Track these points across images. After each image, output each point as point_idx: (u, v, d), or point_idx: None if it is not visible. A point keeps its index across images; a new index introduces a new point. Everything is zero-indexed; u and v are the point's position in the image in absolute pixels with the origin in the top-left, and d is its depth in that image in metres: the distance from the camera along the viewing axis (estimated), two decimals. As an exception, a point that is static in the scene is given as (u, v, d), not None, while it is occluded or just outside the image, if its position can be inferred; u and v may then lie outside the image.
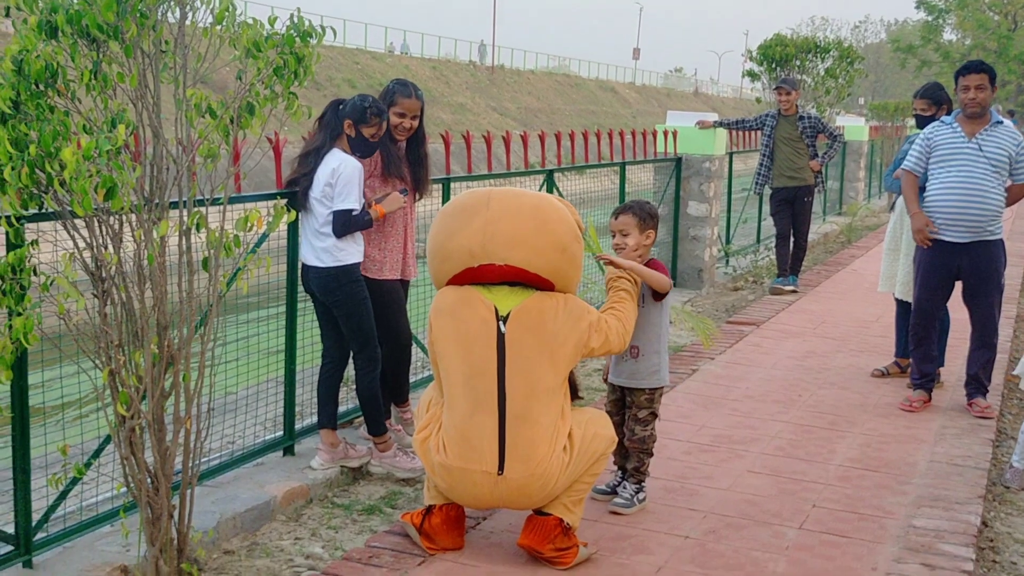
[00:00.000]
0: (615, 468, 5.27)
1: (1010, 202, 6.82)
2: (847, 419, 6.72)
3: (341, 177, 5.24)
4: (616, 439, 4.69)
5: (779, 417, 6.74)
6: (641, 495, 5.15)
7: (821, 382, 7.63)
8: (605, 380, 5.37)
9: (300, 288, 5.67)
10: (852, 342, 8.99)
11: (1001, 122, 6.75)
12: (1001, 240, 6.77)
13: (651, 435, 5.13)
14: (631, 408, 5.12)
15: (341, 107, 5.39)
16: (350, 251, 5.37)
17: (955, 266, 6.76)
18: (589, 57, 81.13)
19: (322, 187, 5.27)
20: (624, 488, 5.16)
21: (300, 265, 5.51)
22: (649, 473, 5.19)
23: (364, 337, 5.46)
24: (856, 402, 7.14)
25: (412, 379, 6.44)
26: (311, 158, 5.36)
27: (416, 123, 5.72)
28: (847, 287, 11.74)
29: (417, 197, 5.88)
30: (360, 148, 5.40)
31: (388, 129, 5.56)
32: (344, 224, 5.27)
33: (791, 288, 11.29)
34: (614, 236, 5.15)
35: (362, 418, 5.83)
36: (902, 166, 7.18)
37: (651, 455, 5.15)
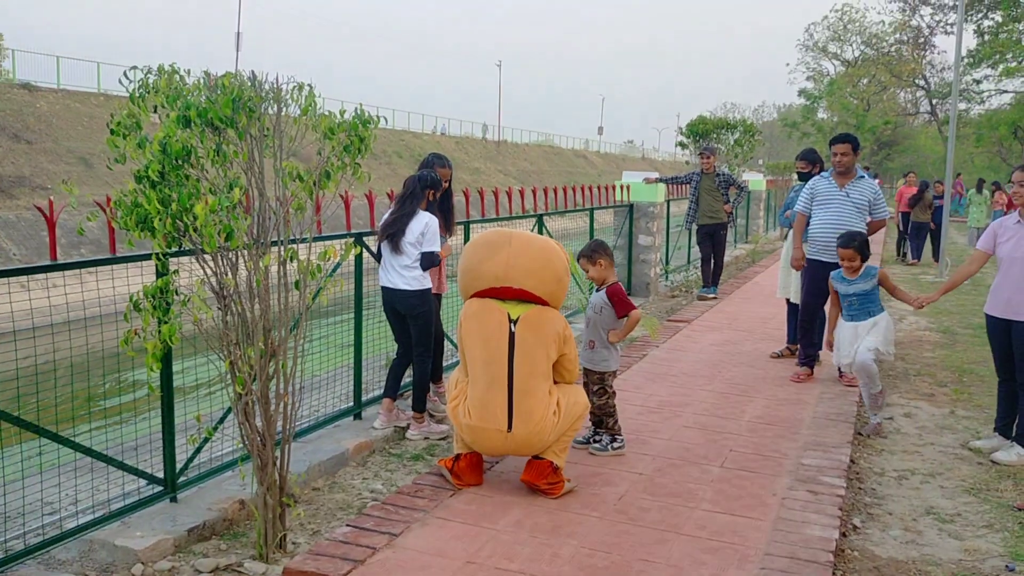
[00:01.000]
0: (590, 425, 5.27)
1: (870, 233, 6.81)
2: (754, 388, 6.70)
3: (430, 229, 5.33)
4: (589, 405, 4.69)
5: (705, 387, 6.72)
6: (616, 443, 5.13)
7: (735, 362, 7.60)
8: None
9: (365, 300, 5.67)
10: (756, 333, 8.97)
11: (863, 176, 6.76)
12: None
13: (606, 403, 5.09)
14: (589, 384, 5.10)
15: (419, 181, 5.41)
16: (428, 281, 5.45)
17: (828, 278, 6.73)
18: (567, 133, 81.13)
19: (416, 235, 5.32)
20: (600, 437, 5.14)
21: (383, 289, 5.49)
22: (619, 429, 5.17)
23: (429, 340, 5.49)
24: (760, 376, 7.12)
25: (445, 363, 6.41)
26: (405, 219, 5.32)
27: (447, 184, 5.76)
28: (752, 294, 11.70)
29: (448, 236, 5.89)
30: (431, 207, 5.49)
31: None
32: (431, 261, 5.34)
33: (712, 296, 11.26)
34: (587, 271, 5.16)
35: (409, 393, 5.82)
36: (793, 208, 7.21)
37: (612, 416, 5.13)
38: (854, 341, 6.03)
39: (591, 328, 5.10)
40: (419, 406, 5.55)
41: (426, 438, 5.52)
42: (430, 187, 5.41)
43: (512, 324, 4.37)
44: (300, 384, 4.07)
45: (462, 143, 54.24)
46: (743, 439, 5.46)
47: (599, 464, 4.96)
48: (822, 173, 7.02)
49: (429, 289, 5.41)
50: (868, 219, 6.76)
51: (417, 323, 5.44)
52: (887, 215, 6.96)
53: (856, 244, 6.04)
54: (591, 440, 5.20)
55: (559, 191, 9.65)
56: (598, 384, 5.11)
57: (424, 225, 5.33)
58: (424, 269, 5.36)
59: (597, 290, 5.13)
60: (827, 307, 6.40)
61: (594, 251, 5.14)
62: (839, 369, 6.90)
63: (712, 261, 11.43)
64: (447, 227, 5.85)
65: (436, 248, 5.35)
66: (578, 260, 5.19)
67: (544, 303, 4.51)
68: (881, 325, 5.99)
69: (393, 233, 5.40)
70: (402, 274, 5.42)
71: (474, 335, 4.43)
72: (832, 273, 6.26)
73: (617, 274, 11.38)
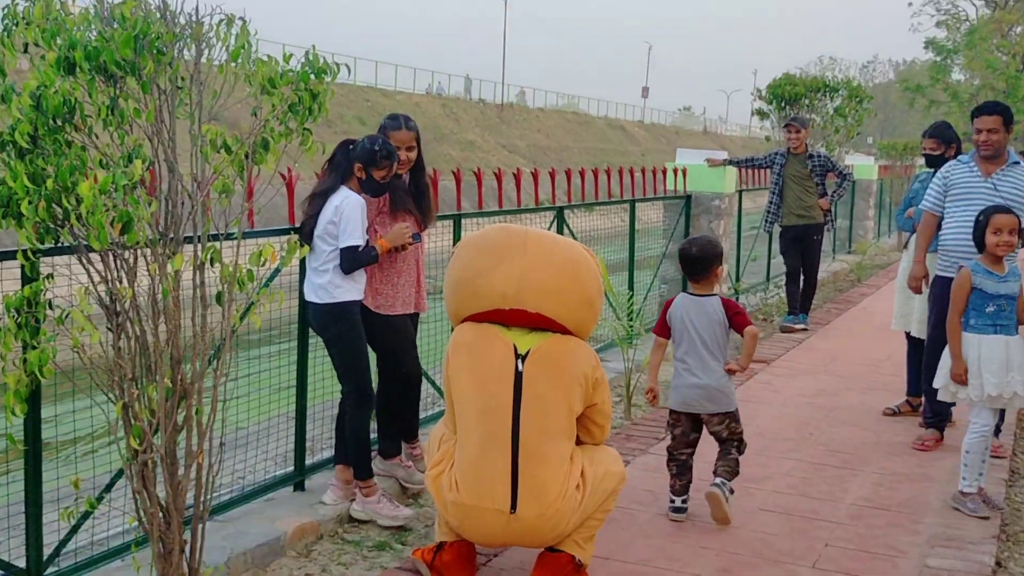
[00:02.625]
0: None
1: None
2: (859, 457, 6.69)
3: (344, 214, 5.26)
4: (625, 475, 4.69)
5: (790, 455, 6.71)
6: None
7: (832, 420, 7.60)
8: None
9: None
10: (863, 380, 8.96)
11: (1018, 163, 6.69)
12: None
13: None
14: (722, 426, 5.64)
15: (351, 148, 5.41)
16: (346, 288, 5.37)
17: None
18: (598, 95, 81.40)
19: (325, 224, 5.30)
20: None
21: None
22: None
23: (355, 376, 5.45)
24: (868, 440, 7.11)
25: (421, 415, 6.43)
26: (319, 199, 5.39)
27: (413, 154, 5.74)
28: (857, 325, 11.71)
29: (423, 228, 5.87)
30: (370, 189, 5.44)
31: None
32: (351, 260, 5.29)
33: (801, 326, 11.27)
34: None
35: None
36: (921, 205, 7.16)
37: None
38: (1006, 366, 5.70)
39: (687, 346, 5.56)
40: (361, 471, 5.53)
41: (386, 525, 5.48)
42: (363, 161, 5.33)
43: (520, 360, 4.38)
44: (221, 439, 4.07)
45: (450, 106, 54.56)
46: (844, 529, 5.44)
47: (640, 561, 4.94)
48: (959, 157, 7.03)
49: (349, 304, 5.35)
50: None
51: (333, 350, 5.45)
52: None
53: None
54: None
55: (586, 175, 9.68)
56: (728, 431, 5.57)
57: (334, 210, 5.28)
58: (346, 272, 5.32)
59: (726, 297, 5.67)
60: (949, 320, 5.89)
61: (716, 252, 5.60)
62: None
63: (802, 277, 11.44)
64: (422, 218, 5.82)
65: (355, 240, 5.26)
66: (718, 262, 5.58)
67: (565, 332, 4.52)
68: None
69: (303, 221, 5.43)
70: (310, 279, 5.44)
71: (466, 374, 4.43)
72: (970, 264, 5.87)
73: (666, 293, 11.45)
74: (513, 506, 4.30)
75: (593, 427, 4.57)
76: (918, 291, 7.04)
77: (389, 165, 5.39)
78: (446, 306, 4.73)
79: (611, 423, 4.70)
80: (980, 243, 5.82)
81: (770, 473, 6.32)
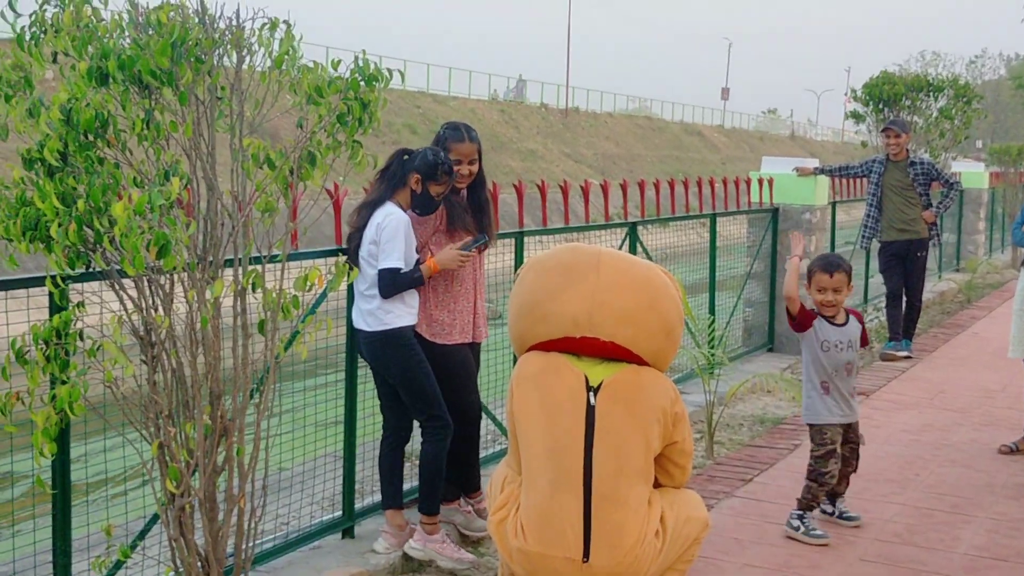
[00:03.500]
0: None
1: None
2: (972, 501, 6.58)
3: (385, 232, 5.28)
4: (708, 522, 4.66)
5: (894, 499, 6.62)
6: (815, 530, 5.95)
7: (941, 459, 7.49)
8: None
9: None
10: (975, 414, 8.82)
11: None
12: None
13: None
14: (856, 440, 6.19)
15: (407, 158, 5.45)
16: (398, 313, 5.39)
17: None
18: (673, 98, 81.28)
19: (367, 245, 5.33)
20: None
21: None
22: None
23: (428, 402, 5.44)
24: (982, 482, 7.00)
25: (481, 454, 6.43)
26: (367, 211, 5.42)
27: (475, 167, 5.75)
28: (968, 352, 11.54)
29: (482, 249, 5.86)
30: (422, 205, 5.45)
31: None
32: (389, 284, 5.30)
33: (904, 354, 11.13)
34: (822, 292, 6.00)
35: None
36: None
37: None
38: None
39: (832, 369, 6.00)
40: (429, 506, 5.55)
41: (450, 570, 5.51)
42: (423, 173, 5.35)
43: (591, 393, 4.37)
44: (264, 481, 4.12)
45: (509, 112, 54.76)
46: (956, 582, 5.36)
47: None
48: None
49: (402, 330, 5.36)
50: None
51: (396, 380, 5.48)
52: None
53: None
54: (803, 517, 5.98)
55: (660, 186, 9.67)
56: (852, 442, 6.12)
57: (376, 228, 5.31)
58: (384, 297, 5.34)
59: (839, 324, 6.05)
60: None
61: (845, 264, 6.05)
62: None
63: (904, 300, 11.31)
64: (480, 248, 5.84)
65: (395, 262, 5.26)
66: (830, 274, 5.97)
67: (641, 363, 4.52)
68: None
69: (350, 235, 5.47)
70: (358, 305, 5.48)
71: (532, 409, 4.43)
72: None
73: (751, 317, 11.39)
74: (586, 554, 4.28)
75: (673, 468, 4.55)
76: None
77: (448, 181, 5.42)
78: (510, 333, 4.72)
79: (692, 463, 4.67)
80: None
81: (871, 519, 6.24)
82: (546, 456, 4.35)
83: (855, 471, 6.23)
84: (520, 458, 4.48)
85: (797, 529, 5.93)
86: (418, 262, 5.42)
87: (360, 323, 5.44)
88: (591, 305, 4.37)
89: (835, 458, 5.98)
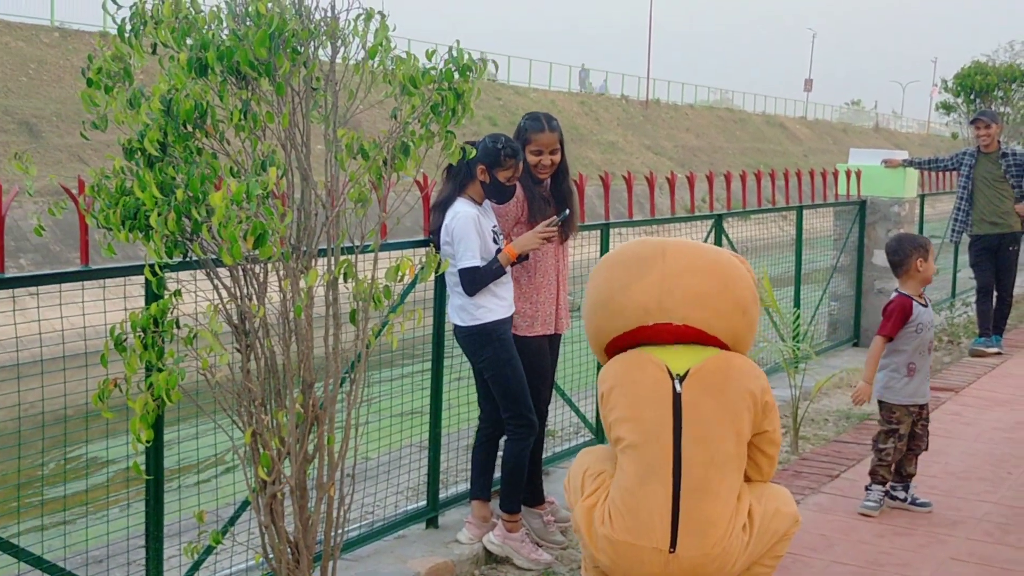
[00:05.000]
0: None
1: None
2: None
3: (455, 233, 5.30)
4: (798, 518, 4.62)
5: (986, 497, 6.53)
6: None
7: (1035, 458, 7.36)
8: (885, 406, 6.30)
9: (448, 344, 5.74)
10: (1069, 412, 8.66)
11: None
12: None
13: None
14: (927, 418, 6.37)
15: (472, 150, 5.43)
16: (490, 307, 5.41)
17: None
18: (754, 89, 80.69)
19: (443, 247, 5.36)
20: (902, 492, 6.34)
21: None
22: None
23: (514, 399, 5.45)
24: (1077, 481, 6.87)
25: (552, 451, 6.41)
26: (439, 212, 5.45)
27: (557, 157, 5.69)
28: (1060, 349, 11.33)
29: (565, 238, 5.83)
30: (496, 194, 5.44)
31: (528, 170, 5.60)
32: (472, 282, 5.32)
33: (995, 350, 10.95)
34: (924, 267, 6.25)
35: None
36: None
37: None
38: None
39: (919, 350, 6.23)
40: (511, 504, 5.57)
41: (523, 567, 5.49)
42: (487, 163, 5.33)
43: (677, 382, 4.36)
44: (353, 470, 4.15)
45: (589, 104, 54.63)
46: (1051, 583, 5.27)
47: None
48: None
49: (496, 324, 5.38)
50: None
51: (488, 375, 5.49)
52: None
53: None
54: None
55: (747, 178, 9.59)
56: (922, 420, 6.33)
57: (445, 229, 5.36)
58: (470, 295, 5.37)
59: (923, 304, 6.28)
60: None
61: (914, 245, 6.28)
62: None
63: (995, 294, 11.12)
64: (563, 227, 5.78)
65: (472, 260, 5.29)
66: (910, 257, 6.22)
67: (723, 346, 4.50)
68: None
69: (432, 233, 5.52)
70: (452, 300, 5.52)
71: (621, 407, 4.43)
72: None
73: (836, 311, 11.26)
74: (673, 544, 4.27)
75: (762, 458, 4.52)
76: None
77: (515, 164, 5.37)
78: (587, 332, 4.75)
79: (778, 454, 4.64)
80: None
81: (963, 517, 6.15)
82: (635, 448, 4.34)
83: (926, 449, 6.38)
84: (615, 455, 4.48)
85: (865, 501, 6.27)
86: (499, 251, 5.43)
87: (454, 317, 5.47)
88: (660, 292, 4.40)
89: (895, 437, 6.19)
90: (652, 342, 4.48)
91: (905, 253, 6.22)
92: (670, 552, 4.27)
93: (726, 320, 4.46)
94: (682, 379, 4.36)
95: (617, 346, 4.58)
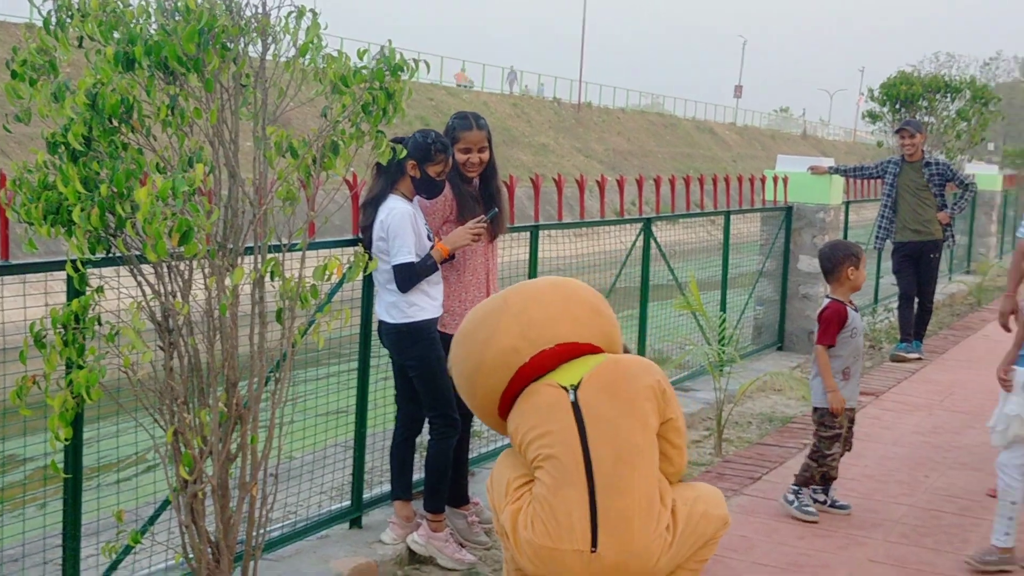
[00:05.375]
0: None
1: None
2: (982, 504, 6.57)
3: (390, 229, 5.30)
4: (728, 519, 4.66)
5: (903, 500, 6.63)
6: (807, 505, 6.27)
7: (951, 462, 7.48)
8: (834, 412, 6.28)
9: (374, 344, 5.73)
10: (985, 416, 8.69)
11: None
12: None
13: None
14: (853, 421, 6.47)
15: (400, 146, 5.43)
16: (422, 306, 5.41)
17: None
18: (685, 95, 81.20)
19: (376, 241, 5.35)
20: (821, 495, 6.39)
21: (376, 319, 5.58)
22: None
23: (440, 398, 5.46)
24: (990, 485, 6.98)
25: (477, 452, 6.41)
26: (371, 209, 5.43)
27: (485, 156, 5.72)
28: (978, 355, 11.51)
29: (494, 236, 5.84)
30: (426, 189, 5.45)
31: (457, 169, 5.62)
32: (406, 278, 5.32)
33: (915, 355, 11.12)
34: (855, 275, 6.34)
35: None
36: (1018, 235, 7.02)
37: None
38: None
39: (854, 354, 6.32)
40: (434, 503, 5.57)
41: (447, 567, 5.49)
42: (417, 157, 5.33)
43: (571, 392, 4.42)
44: (276, 470, 4.13)
45: (521, 106, 54.71)
46: (966, 586, 5.37)
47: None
48: None
49: (426, 323, 5.38)
50: None
51: (414, 373, 5.49)
52: None
53: None
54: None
55: (675, 182, 9.67)
56: (850, 423, 6.42)
57: (380, 225, 5.35)
58: (404, 292, 5.37)
59: (855, 310, 6.38)
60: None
61: (845, 253, 6.34)
62: None
63: (916, 301, 11.30)
64: (492, 226, 5.79)
65: (407, 256, 5.28)
66: (842, 264, 6.29)
67: (600, 351, 4.63)
68: None
69: (362, 230, 5.51)
70: (381, 297, 5.51)
71: (526, 433, 4.50)
72: None
73: (762, 316, 11.38)
74: (594, 544, 4.29)
75: (670, 449, 4.54)
76: (1005, 328, 6.89)
77: (445, 160, 5.39)
78: (477, 413, 4.83)
79: (688, 453, 4.67)
80: None
81: (881, 520, 6.24)
82: (548, 460, 4.38)
83: (850, 450, 6.51)
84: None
85: (792, 504, 6.26)
86: (432, 248, 5.42)
87: (384, 315, 5.46)
88: (519, 327, 4.52)
89: (839, 441, 6.29)
90: (538, 375, 4.54)
91: (838, 260, 6.29)
92: (592, 552, 4.29)
93: (588, 325, 4.59)
94: (576, 388, 4.43)
95: (508, 402, 4.63)
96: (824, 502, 6.35)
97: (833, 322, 6.24)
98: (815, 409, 6.36)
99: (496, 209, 5.65)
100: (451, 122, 5.76)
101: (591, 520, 4.29)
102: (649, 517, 4.31)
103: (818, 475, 6.28)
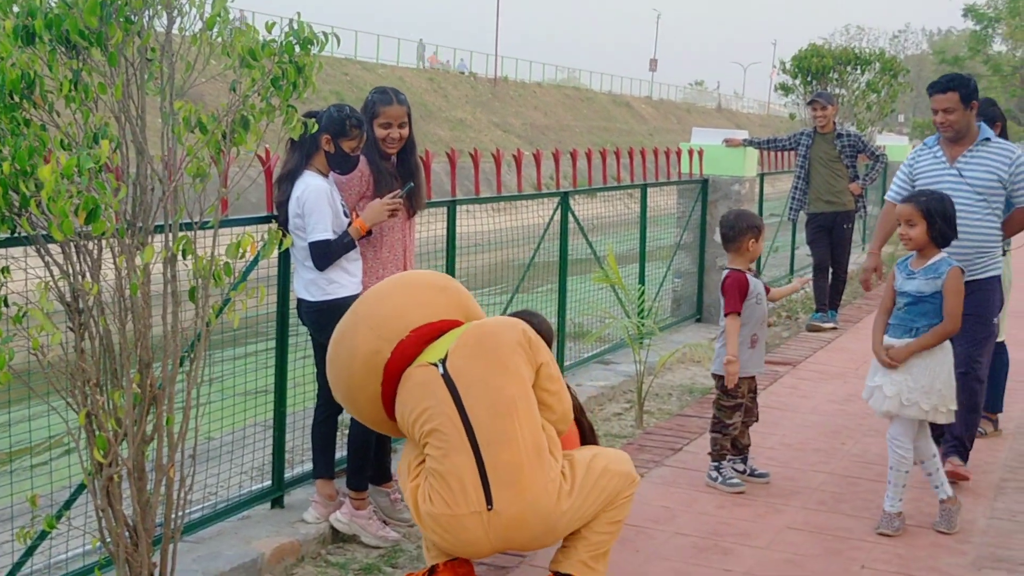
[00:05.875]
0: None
1: (1009, 232, 6.57)
2: (896, 470, 6.68)
3: (306, 205, 5.27)
4: (635, 477, 4.67)
5: (820, 468, 6.72)
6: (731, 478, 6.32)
7: (866, 429, 7.59)
8: (718, 379, 6.43)
9: (292, 322, 5.67)
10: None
11: (989, 139, 6.43)
12: (995, 278, 6.42)
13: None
14: (756, 390, 6.53)
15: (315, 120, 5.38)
16: (342, 283, 5.38)
17: None
18: (601, 69, 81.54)
19: (292, 218, 5.31)
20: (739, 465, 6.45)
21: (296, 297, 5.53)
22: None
23: None
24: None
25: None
26: (286, 183, 5.38)
27: (406, 131, 5.69)
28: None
29: (412, 212, 5.84)
30: (340, 164, 5.41)
31: (376, 144, 5.58)
32: (322, 256, 5.29)
33: (831, 325, 11.28)
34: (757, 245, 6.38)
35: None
36: (887, 196, 7.14)
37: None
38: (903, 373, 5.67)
39: (760, 321, 6.41)
40: (357, 482, 5.54)
41: (356, 537, 5.47)
42: (332, 132, 5.29)
43: (440, 367, 4.46)
44: (194, 451, 4.06)
45: (438, 81, 54.52)
46: (882, 550, 5.46)
47: (670, 571, 4.94)
48: (925, 141, 6.80)
49: (346, 300, 5.28)
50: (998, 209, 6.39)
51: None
52: None
53: (924, 202, 5.71)
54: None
55: (591, 156, 9.68)
56: (752, 392, 6.48)
57: (296, 202, 5.33)
58: (320, 270, 5.37)
59: (757, 275, 6.45)
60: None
61: (748, 224, 6.35)
62: (945, 452, 6.39)
63: (831, 271, 11.45)
64: (410, 202, 5.76)
65: (323, 234, 5.25)
66: (744, 235, 6.29)
67: (460, 324, 4.70)
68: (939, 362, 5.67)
69: (277, 207, 5.47)
70: (300, 274, 5.48)
71: (410, 416, 4.53)
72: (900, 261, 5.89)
73: (680, 288, 11.46)
74: (488, 501, 4.30)
75: (547, 396, 4.55)
76: (866, 285, 7.08)
77: (360, 135, 5.36)
78: (368, 422, 4.89)
79: (565, 390, 4.70)
80: None
81: (799, 488, 6.33)
82: (431, 434, 4.42)
83: (757, 420, 6.55)
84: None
85: (716, 480, 6.31)
86: (349, 224, 5.37)
87: (302, 292, 5.41)
88: (371, 329, 4.59)
89: (741, 411, 6.35)
90: (407, 365, 4.60)
91: (741, 230, 6.32)
92: (489, 510, 4.31)
93: (436, 304, 4.68)
94: (444, 361, 4.47)
95: (390, 402, 4.67)
96: (743, 471, 6.41)
97: (735, 290, 6.29)
98: (716, 376, 6.46)
99: (412, 184, 5.61)
100: (371, 96, 5.70)
101: (482, 480, 4.32)
102: (539, 464, 4.34)
103: (727, 443, 6.34)
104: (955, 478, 6.18)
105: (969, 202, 6.29)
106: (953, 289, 5.56)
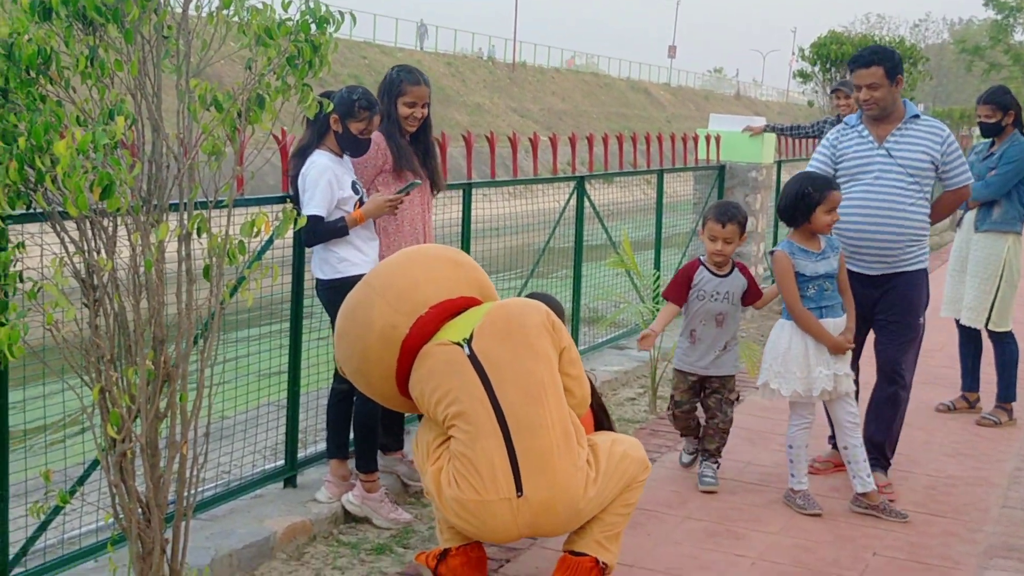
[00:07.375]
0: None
1: (936, 218, 6.21)
2: (909, 458, 6.67)
3: (306, 180, 5.28)
4: (650, 466, 4.68)
5: (834, 455, 6.70)
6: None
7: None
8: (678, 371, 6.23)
9: (307, 303, 5.68)
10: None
11: (918, 115, 6.05)
12: (922, 271, 6.13)
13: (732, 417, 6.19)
14: (722, 392, 6.11)
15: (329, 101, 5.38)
16: (354, 261, 5.38)
17: (868, 303, 6.07)
18: (620, 55, 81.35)
19: (301, 194, 5.32)
20: (708, 468, 6.09)
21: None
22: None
23: None
24: (919, 440, 7.09)
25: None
26: (298, 159, 5.40)
27: (427, 112, 5.73)
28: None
29: (434, 192, 5.90)
30: (349, 146, 5.41)
31: (398, 121, 5.60)
32: (310, 231, 5.27)
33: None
34: (713, 240, 5.96)
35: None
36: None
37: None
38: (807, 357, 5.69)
39: (729, 324, 6.07)
40: (366, 463, 5.55)
41: (368, 519, 5.49)
42: (340, 112, 5.28)
43: (465, 346, 4.42)
44: (207, 429, 4.07)
45: (456, 65, 54.47)
46: (893, 537, 5.46)
47: (667, 570, 4.93)
48: (847, 119, 6.32)
49: (353, 279, 5.25)
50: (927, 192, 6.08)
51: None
52: (970, 180, 6.18)
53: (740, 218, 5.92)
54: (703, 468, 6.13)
55: (609, 141, 9.65)
56: (734, 391, 6.21)
57: (300, 176, 5.34)
58: (306, 245, 5.42)
59: (721, 274, 6.03)
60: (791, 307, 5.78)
61: (740, 215, 6.01)
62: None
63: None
64: (432, 180, 5.81)
65: (314, 210, 5.21)
66: (723, 225, 5.91)
67: (478, 301, 4.69)
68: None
69: (291, 180, 5.49)
70: (316, 252, 5.51)
71: (432, 395, 4.51)
72: (782, 245, 5.77)
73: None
74: (519, 488, 4.30)
75: (569, 381, 4.55)
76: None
77: (368, 118, 5.35)
78: (383, 399, 4.89)
79: (584, 375, 4.69)
80: (794, 218, 5.73)
81: (812, 477, 6.31)
82: (458, 417, 4.40)
83: (722, 424, 6.12)
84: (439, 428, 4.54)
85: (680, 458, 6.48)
86: (360, 202, 5.42)
87: (317, 271, 5.44)
88: (389, 304, 4.55)
89: (673, 403, 6.27)
90: (424, 342, 4.57)
91: (741, 220, 6.03)
92: (518, 497, 4.30)
93: (453, 279, 4.67)
94: (470, 341, 4.43)
95: (404, 378, 4.66)
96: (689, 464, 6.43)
97: (676, 278, 6.21)
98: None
99: (418, 181, 5.61)
100: (396, 75, 5.70)
101: (512, 466, 4.30)
102: (569, 450, 4.34)
103: (677, 424, 6.29)
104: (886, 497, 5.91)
105: (901, 185, 5.95)
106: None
